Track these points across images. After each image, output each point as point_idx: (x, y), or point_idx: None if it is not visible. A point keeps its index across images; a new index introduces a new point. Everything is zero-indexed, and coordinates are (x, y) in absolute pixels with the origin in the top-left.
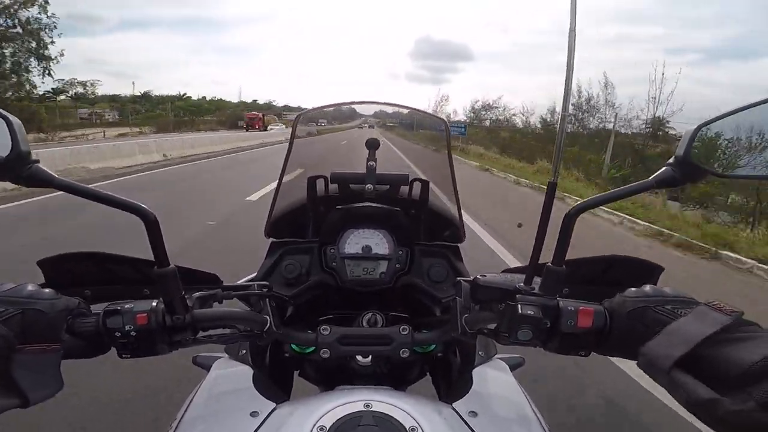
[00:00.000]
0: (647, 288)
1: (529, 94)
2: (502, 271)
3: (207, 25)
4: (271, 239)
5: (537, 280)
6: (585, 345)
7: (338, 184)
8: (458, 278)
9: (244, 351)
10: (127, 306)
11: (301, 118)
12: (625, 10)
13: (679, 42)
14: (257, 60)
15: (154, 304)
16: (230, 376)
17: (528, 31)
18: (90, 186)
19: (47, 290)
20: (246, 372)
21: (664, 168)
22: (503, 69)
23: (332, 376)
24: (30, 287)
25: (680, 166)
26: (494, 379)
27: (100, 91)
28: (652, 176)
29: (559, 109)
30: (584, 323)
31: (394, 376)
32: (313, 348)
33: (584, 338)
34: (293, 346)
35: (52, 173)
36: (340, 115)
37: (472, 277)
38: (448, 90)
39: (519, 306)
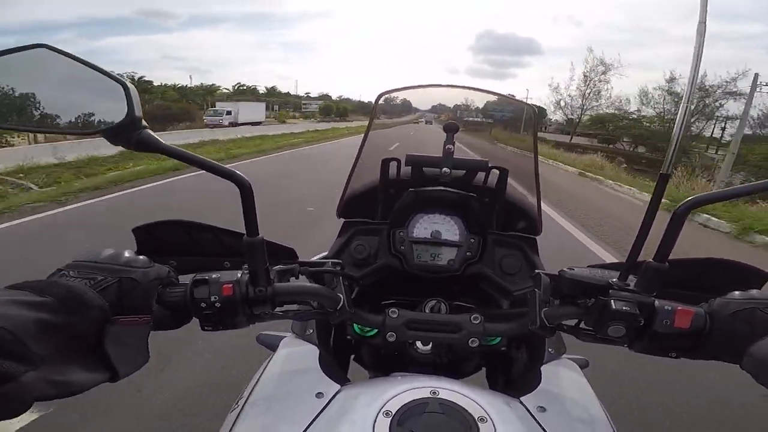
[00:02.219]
0: (753, 291)
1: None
2: (589, 266)
3: (271, 21)
4: (343, 219)
5: (632, 278)
6: (677, 347)
7: (412, 167)
8: (537, 271)
9: (311, 331)
10: (214, 276)
11: (382, 99)
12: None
13: None
14: (318, 55)
15: (239, 275)
16: (297, 355)
17: (599, 26)
18: (191, 152)
19: (141, 257)
20: (313, 352)
21: None
22: (570, 65)
23: (387, 363)
24: (126, 254)
25: None
26: (564, 377)
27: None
28: None
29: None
30: (681, 324)
31: (452, 368)
32: (376, 331)
33: (678, 339)
34: (356, 327)
35: (159, 139)
36: (392, 108)
37: (556, 271)
38: (513, 85)
39: (612, 301)
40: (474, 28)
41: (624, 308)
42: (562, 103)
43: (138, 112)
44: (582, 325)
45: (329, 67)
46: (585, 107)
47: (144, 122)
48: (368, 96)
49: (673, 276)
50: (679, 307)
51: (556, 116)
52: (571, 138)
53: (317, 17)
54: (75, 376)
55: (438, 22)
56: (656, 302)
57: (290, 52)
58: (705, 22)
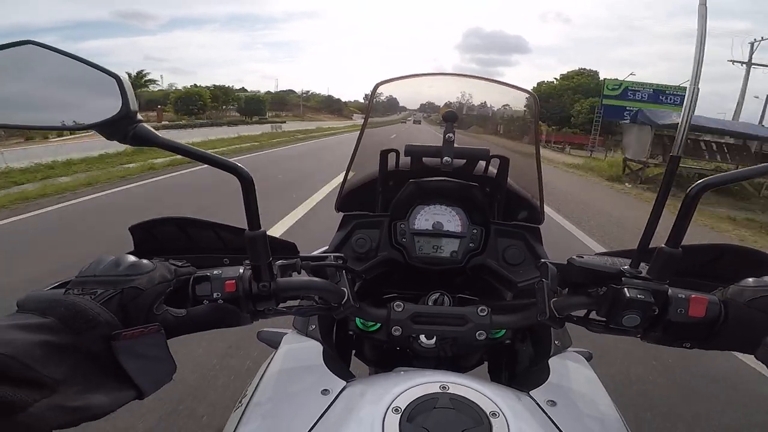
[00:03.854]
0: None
1: None
2: (597, 254)
3: (257, 22)
4: (342, 213)
5: (643, 266)
6: (692, 336)
7: (411, 158)
8: (543, 260)
9: (313, 326)
10: (215, 272)
11: (378, 89)
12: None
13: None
14: (304, 54)
15: (241, 270)
16: (300, 351)
17: (586, 25)
18: (189, 145)
19: (144, 262)
20: (316, 348)
21: None
22: (557, 63)
23: (389, 357)
24: (127, 260)
25: None
26: (572, 370)
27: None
28: None
29: None
30: (696, 312)
31: (455, 362)
32: (378, 326)
33: (692, 329)
34: (358, 322)
35: (156, 133)
36: (378, 106)
37: (564, 260)
38: None
39: (626, 289)
40: (461, 26)
41: (639, 296)
42: None
43: (133, 105)
44: (592, 315)
45: (315, 66)
46: None
47: (139, 116)
48: (334, 92)
49: (685, 263)
50: (693, 295)
51: None
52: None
53: (303, 17)
54: (95, 399)
55: (425, 20)
56: (670, 290)
57: (276, 52)
58: (705, 4)
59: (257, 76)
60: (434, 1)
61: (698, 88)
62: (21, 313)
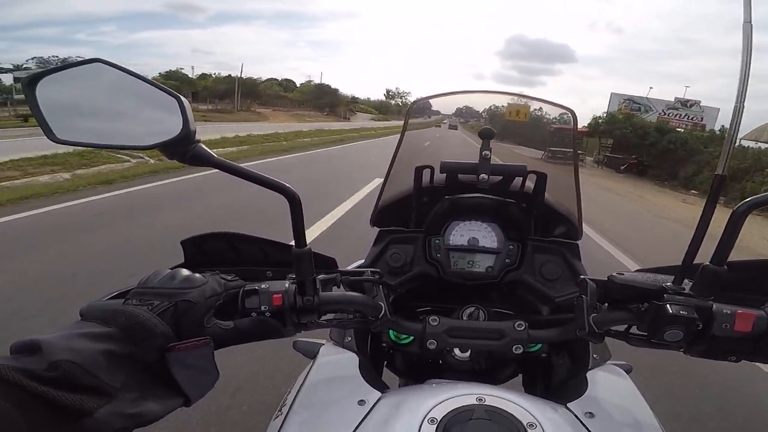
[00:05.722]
0: None
1: None
2: (636, 270)
3: (301, 20)
4: (377, 228)
5: (687, 282)
6: (738, 350)
7: (446, 174)
8: (583, 276)
9: (350, 338)
10: (263, 286)
11: (416, 106)
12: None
13: None
14: (343, 54)
15: (287, 285)
16: (338, 362)
17: (637, 35)
18: (243, 165)
19: (197, 276)
20: (353, 359)
21: None
22: (603, 74)
23: (421, 369)
24: (182, 274)
25: None
26: (611, 383)
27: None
28: None
29: None
30: (742, 327)
31: (488, 374)
32: (411, 338)
33: (738, 343)
34: (391, 335)
35: (211, 153)
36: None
37: (603, 276)
38: (541, 93)
39: (668, 305)
40: (504, 32)
41: (681, 312)
42: None
43: (192, 126)
44: (633, 330)
45: (354, 66)
46: None
47: (198, 136)
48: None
49: (730, 278)
50: (739, 311)
51: None
52: None
53: (345, 17)
54: (148, 406)
55: (466, 24)
56: (714, 306)
57: (318, 50)
58: (750, 22)
59: (298, 74)
60: (478, 5)
61: (743, 106)
62: (84, 321)
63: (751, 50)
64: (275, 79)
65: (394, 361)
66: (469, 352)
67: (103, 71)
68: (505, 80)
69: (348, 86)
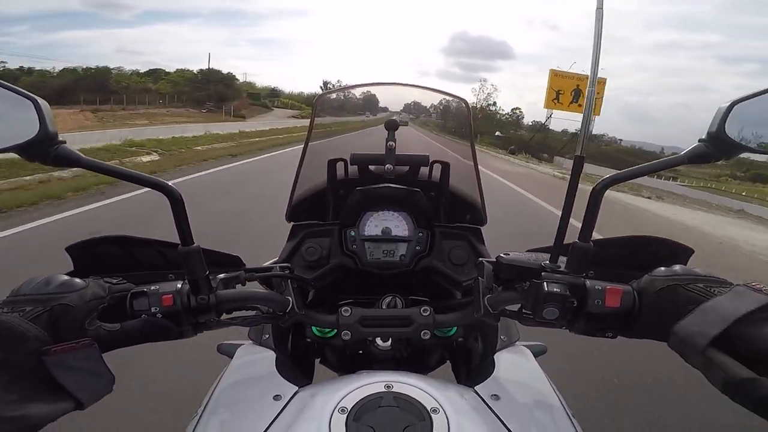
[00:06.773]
0: (676, 267)
1: None
2: (526, 251)
3: (242, 18)
4: (292, 223)
5: (563, 259)
6: (612, 326)
7: (358, 166)
8: (480, 259)
9: (267, 336)
10: (152, 288)
11: (320, 101)
12: (677, 16)
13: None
14: (289, 53)
15: (179, 285)
16: (254, 361)
17: (572, 34)
18: (114, 164)
19: (76, 280)
20: (269, 357)
21: (696, 144)
22: (538, 71)
23: (352, 362)
24: (58, 279)
25: (714, 141)
26: (517, 364)
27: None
28: (684, 151)
29: None
30: (612, 303)
31: (415, 362)
32: (335, 332)
33: (612, 319)
34: (314, 330)
35: (78, 153)
36: (360, 107)
37: (494, 257)
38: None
39: (544, 283)
40: (448, 29)
41: (555, 290)
42: None
43: (51, 127)
44: (524, 309)
45: (298, 65)
46: None
47: (60, 137)
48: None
49: (606, 255)
50: (609, 287)
51: None
52: None
53: (289, 15)
54: (33, 409)
55: (413, 23)
56: (587, 282)
57: (261, 50)
58: (602, 8)
59: (237, 73)
60: (423, 2)
61: (594, 90)
62: None
63: (601, 36)
64: (137, 70)
65: (326, 356)
66: (389, 341)
67: None
68: (447, 76)
69: (291, 85)
